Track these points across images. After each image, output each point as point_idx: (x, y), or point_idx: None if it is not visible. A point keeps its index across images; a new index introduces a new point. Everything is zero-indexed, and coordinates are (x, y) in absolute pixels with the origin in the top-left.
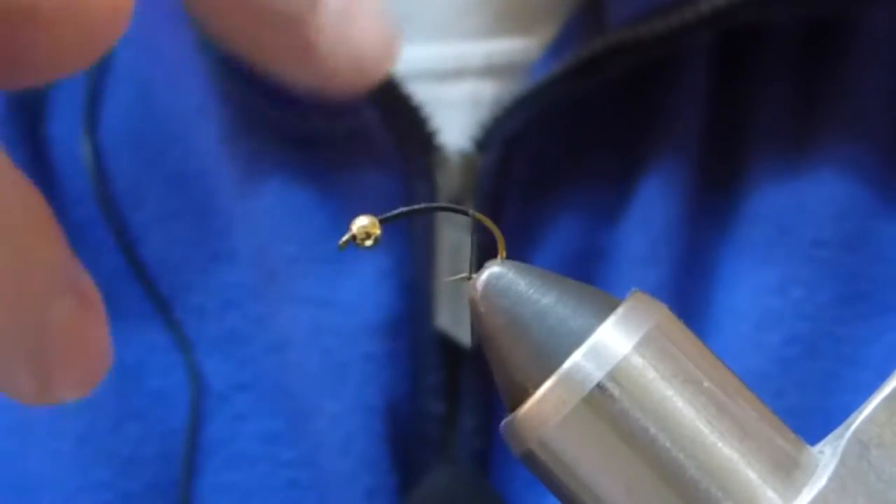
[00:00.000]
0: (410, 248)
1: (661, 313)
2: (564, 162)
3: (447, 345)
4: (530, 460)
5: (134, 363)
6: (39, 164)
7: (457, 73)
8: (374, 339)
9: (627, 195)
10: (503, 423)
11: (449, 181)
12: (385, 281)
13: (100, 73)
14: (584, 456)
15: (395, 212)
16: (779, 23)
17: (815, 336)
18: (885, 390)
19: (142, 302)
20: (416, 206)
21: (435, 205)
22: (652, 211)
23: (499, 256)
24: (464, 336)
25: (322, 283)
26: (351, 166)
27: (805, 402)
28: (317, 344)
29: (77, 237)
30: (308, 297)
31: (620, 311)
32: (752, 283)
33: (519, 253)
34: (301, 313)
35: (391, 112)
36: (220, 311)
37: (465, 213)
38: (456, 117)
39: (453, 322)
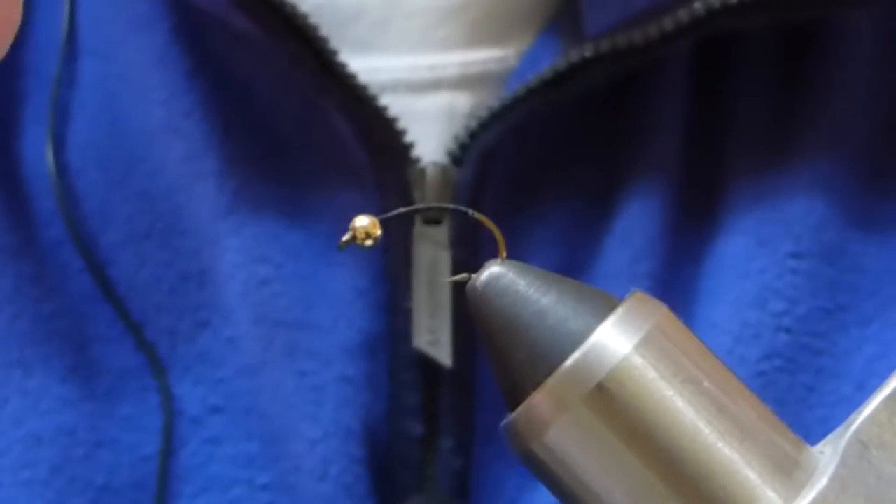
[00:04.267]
0: (386, 265)
1: (660, 313)
2: (543, 175)
3: (425, 364)
4: (530, 460)
5: (106, 389)
6: (10, 183)
7: (432, 85)
8: (351, 361)
9: (608, 209)
10: (503, 422)
11: (425, 195)
12: (360, 300)
13: (65, 87)
14: (584, 456)
15: (395, 212)
16: (756, 32)
17: (794, 350)
18: (885, 390)
19: (112, 325)
20: (415, 206)
21: (434, 204)
22: (632, 226)
23: (499, 256)
24: (442, 356)
25: (296, 305)
26: (323, 182)
27: (784, 417)
28: (292, 367)
29: (47, 258)
30: (281, 319)
31: (620, 311)
32: (731, 297)
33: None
34: (275, 335)
35: (365, 125)
36: (190, 333)
37: (466, 213)
38: (431, 129)
39: (431, 342)
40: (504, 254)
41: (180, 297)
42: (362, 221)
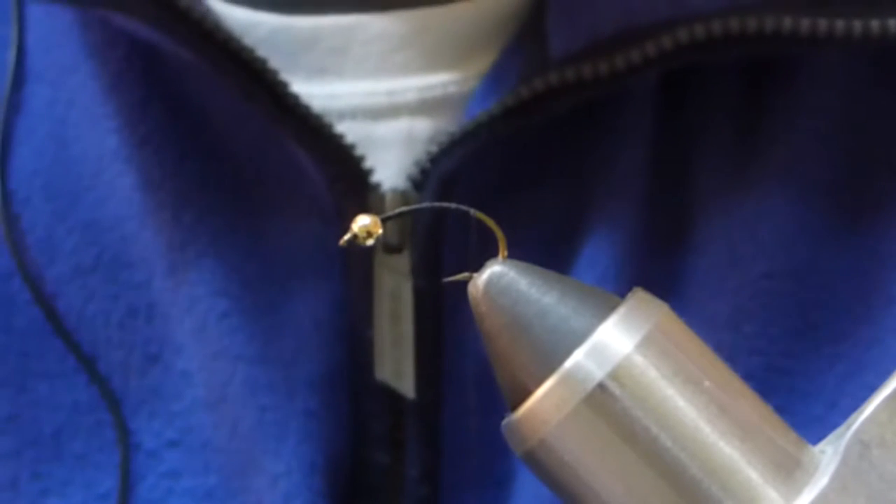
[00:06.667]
0: (346, 294)
1: (662, 313)
2: (506, 200)
3: (389, 393)
4: (531, 459)
5: (54, 429)
6: None
7: (390, 110)
8: (313, 394)
9: (574, 232)
10: (504, 422)
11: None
12: (322, 331)
13: (11, 114)
14: (585, 455)
15: (397, 211)
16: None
17: (766, 372)
18: (886, 390)
19: (62, 360)
20: (415, 206)
21: (436, 203)
22: (599, 249)
23: (500, 256)
24: (405, 387)
25: (255, 339)
26: (282, 211)
27: None
28: (253, 402)
29: None
30: (241, 354)
31: (622, 310)
32: (703, 317)
33: (461, 294)
34: (235, 370)
35: (322, 153)
36: (142, 367)
37: (466, 213)
38: (391, 155)
39: (394, 373)
40: (505, 253)
41: (129, 331)
42: (364, 221)
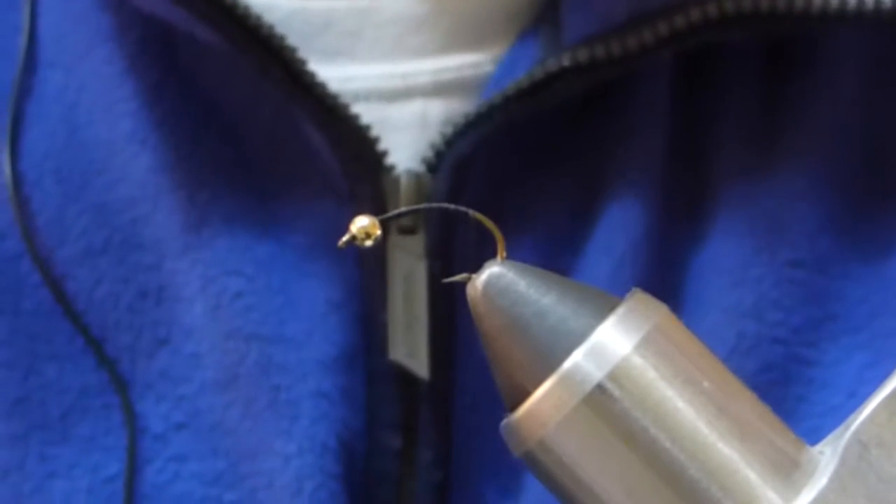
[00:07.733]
0: (361, 277)
1: (661, 313)
2: (521, 183)
3: (402, 376)
4: (530, 460)
5: (62, 412)
6: None
7: (405, 93)
8: (326, 375)
9: (589, 215)
10: (503, 422)
11: (399, 205)
12: (336, 313)
13: (23, 98)
14: (584, 456)
15: (395, 212)
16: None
17: (787, 361)
18: (885, 390)
19: (71, 342)
20: (414, 207)
21: (434, 205)
22: (615, 232)
23: (498, 256)
24: (419, 368)
25: (269, 318)
26: (296, 192)
27: None
28: (265, 382)
29: (3, 271)
30: (254, 333)
31: (620, 311)
32: (726, 304)
33: None
34: (247, 350)
35: (337, 134)
36: (150, 350)
37: (465, 213)
38: (405, 138)
39: (408, 354)
40: (504, 254)
41: (138, 314)
42: (362, 222)
